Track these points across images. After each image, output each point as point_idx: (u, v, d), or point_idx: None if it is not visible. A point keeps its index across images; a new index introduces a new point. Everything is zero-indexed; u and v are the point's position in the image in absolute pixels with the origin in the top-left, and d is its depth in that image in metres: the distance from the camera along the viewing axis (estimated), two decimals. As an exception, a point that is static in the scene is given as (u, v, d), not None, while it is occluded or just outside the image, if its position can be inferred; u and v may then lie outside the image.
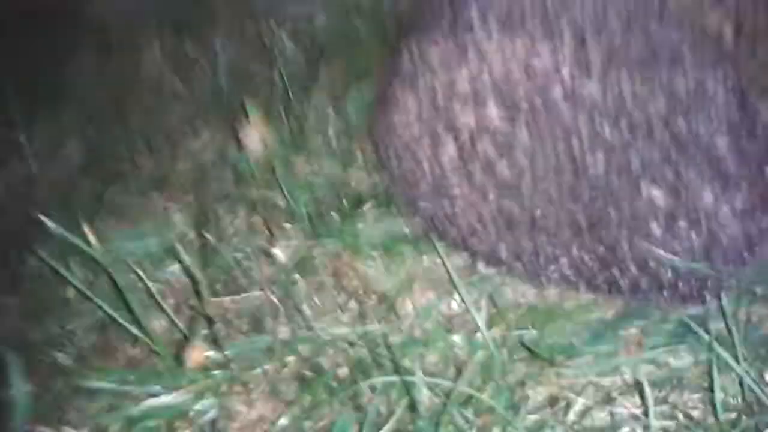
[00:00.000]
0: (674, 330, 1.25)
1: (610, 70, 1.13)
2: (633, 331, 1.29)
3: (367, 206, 1.59)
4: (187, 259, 1.35)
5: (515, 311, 1.37)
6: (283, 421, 1.25)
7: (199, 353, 1.24)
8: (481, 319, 1.30)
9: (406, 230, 1.56)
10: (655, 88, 1.11)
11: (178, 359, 1.31)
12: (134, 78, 2.07)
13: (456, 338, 1.35)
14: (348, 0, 1.82)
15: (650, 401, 1.07)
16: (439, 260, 1.44)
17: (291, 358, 1.34)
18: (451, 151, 1.27)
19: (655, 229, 1.15)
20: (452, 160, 1.27)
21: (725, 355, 1.10)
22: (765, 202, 1.16)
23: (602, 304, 1.34)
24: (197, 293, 1.33)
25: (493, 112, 1.20)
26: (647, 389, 1.07)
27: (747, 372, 1.08)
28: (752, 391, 1.08)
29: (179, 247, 1.39)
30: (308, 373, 1.32)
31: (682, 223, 1.14)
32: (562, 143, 1.15)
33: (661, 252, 1.14)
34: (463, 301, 1.37)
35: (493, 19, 1.22)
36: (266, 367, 1.33)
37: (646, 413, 1.10)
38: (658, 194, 1.13)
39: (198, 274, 1.36)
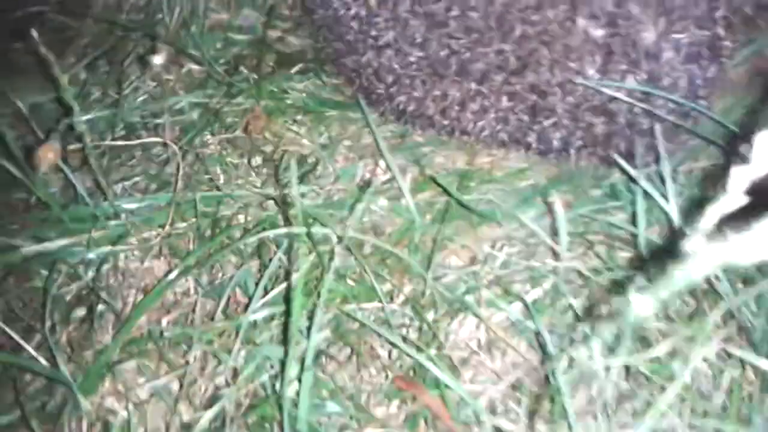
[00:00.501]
0: (604, 193, 1.16)
1: None
2: (564, 196, 1.20)
3: (295, 68, 1.45)
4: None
5: (444, 178, 1.27)
6: (173, 274, 1.15)
7: (53, 155, 1.12)
8: (405, 184, 1.21)
9: (337, 96, 1.44)
10: None
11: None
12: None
13: (379, 202, 1.25)
14: None
15: (564, 244, 0.99)
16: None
17: (191, 216, 1.23)
18: (377, -17, 1.15)
19: (590, 69, 1.04)
20: (379, -5, 1.15)
21: (654, 193, 1.02)
22: (713, 47, 1.05)
23: (534, 171, 1.26)
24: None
25: (422, -64, 1.08)
26: (563, 235, 0.98)
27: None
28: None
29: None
30: (209, 231, 1.22)
31: (621, 64, 1.03)
32: (494, -32, 1.04)
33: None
34: (388, 166, 1.26)
35: None
36: (165, 223, 1.22)
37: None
38: (595, 30, 1.02)
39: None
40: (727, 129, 1.09)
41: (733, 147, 1.07)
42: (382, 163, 1.31)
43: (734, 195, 0.49)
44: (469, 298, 1.09)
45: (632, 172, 1.04)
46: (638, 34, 1.02)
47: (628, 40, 1.02)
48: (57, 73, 1.12)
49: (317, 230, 1.15)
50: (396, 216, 1.23)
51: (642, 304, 0.50)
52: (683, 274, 0.46)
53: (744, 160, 0.50)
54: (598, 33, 1.02)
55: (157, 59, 1.31)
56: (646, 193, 1.04)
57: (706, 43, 1.04)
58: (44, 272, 1.21)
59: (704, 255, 0.45)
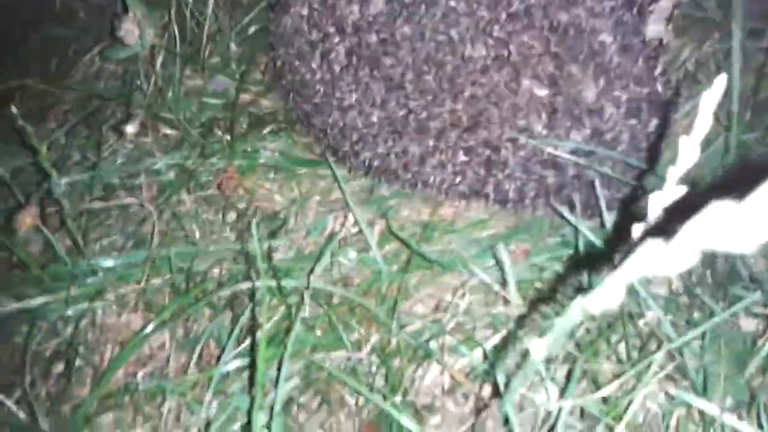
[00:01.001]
0: (560, 241, 1.22)
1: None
2: (521, 245, 1.26)
3: (267, 129, 1.52)
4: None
5: (409, 229, 1.33)
6: (149, 328, 1.19)
7: (31, 219, 1.17)
8: (372, 237, 1.27)
9: (307, 155, 1.50)
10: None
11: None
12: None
13: (348, 254, 1.30)
14: None
15: (513, 293, 1.04)
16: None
17: (167, 272, 1.28)
18: (340, 51, 1.22)
19: (538, 126, 1.11)
20: (341, 61, 1.22)
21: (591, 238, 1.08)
22: (652, 103, 1.13)
23: (494, 221, 1.32)
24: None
25: (378, 6, 1.16)
26: (512, 285, 1.03)
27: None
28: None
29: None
30: (183, 285, 1.26)
31: (565, 121, 1.10)
32: (443, 35, 1.11)
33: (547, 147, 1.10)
34: (356, 219, 1.32)
35: None
36: (141, 279, 1.27)
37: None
38: (539, 89, 1.09)
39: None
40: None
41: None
42: (351, 216, 1.36)
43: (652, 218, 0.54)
44: (433, 345, 1.14)
45: (572, 220, 1.10)
46: (579, 93, 1.09)
47: (570, 98, 1.09)
48: (34, 142, 1.19)
49: (287, 282, 1.20)
50: (364, 267, 1.29)
51: (537, 347, 0.55)
52: (575, 310, 0.51)
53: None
54: (542, 93, 1.10)
55: (130, 128, 1.38)
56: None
57: (645, 99, 1.12)
58: (24, 329, 1.25)
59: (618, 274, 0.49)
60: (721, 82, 0.51)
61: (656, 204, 0.56)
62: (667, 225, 0.46)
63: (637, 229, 0.55)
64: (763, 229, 0.40)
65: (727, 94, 1.16)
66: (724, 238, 0.41)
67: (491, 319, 1.14)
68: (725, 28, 1.37)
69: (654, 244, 0.44)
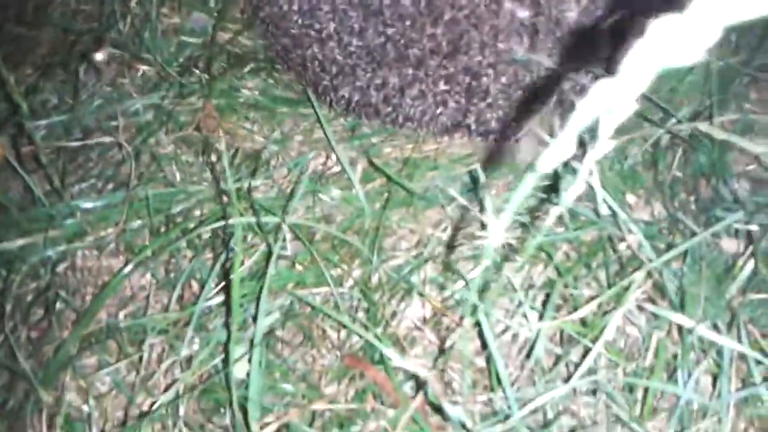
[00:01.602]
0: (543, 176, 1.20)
1: None
2: (503, 179, 1.24)
3: (247, 68, 1.49)
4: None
5: (392, 167, 1.31)
6: (128, 268, 1.18)
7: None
8: (354, 175, 1.25)
9: (288, 94, 1.47)
10: None
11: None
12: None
13: (330, 192, 1.28)
14: None
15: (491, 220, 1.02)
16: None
17: (146, 213, 1.26)
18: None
19: (519, 50, 1.07)
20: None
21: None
22: (636, 24, 1.08)
23: (477, 156, 1.29)
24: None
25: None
26: (489, 212, 1.01)
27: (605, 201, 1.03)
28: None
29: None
30: (163, 226, 1.25)
31: (547, 43, 1.07)
32: (421, -45, 1.07)
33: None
34: (338, 157, 1.29)
35: None
36: (120, 220, 1.25)
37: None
38: (520, 11, 1.06)
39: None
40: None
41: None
42: (333, 155, 1.34)
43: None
44: (414, 279, 1.12)
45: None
46: (562, 13, 1.06)
47: (552, 19, 1.06)
48: (4, 76, 1.16)
49: (267, 220, 1.18)
50: (346, 205, 1.27)
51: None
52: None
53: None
54: (524, 14, 1.06)
55: (99, 56, 1.35)
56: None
57: (628, 21, 1.08)
58: (3, 272, 1.24)
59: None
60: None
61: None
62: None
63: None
64: (706, 39, 0.38)
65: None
66: (672, 52, 0.39)
67: (472, 252, 1.12)
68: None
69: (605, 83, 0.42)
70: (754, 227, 0.94)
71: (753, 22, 1.08)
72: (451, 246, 1.14)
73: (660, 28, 0.38)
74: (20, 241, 1.25)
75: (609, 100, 0.42)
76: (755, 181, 1.08)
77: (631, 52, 0.39)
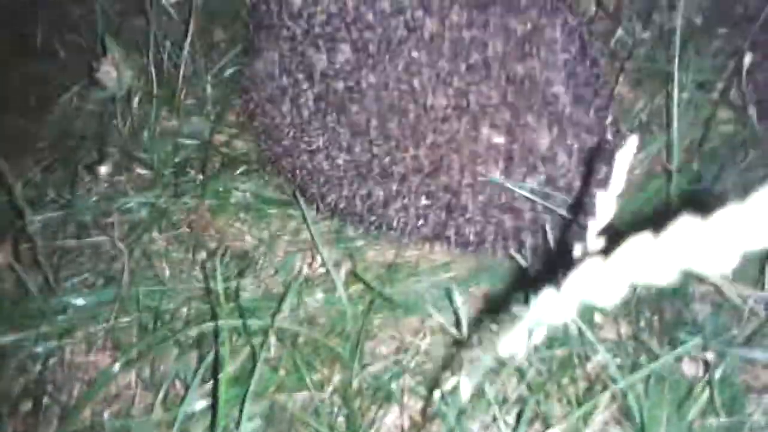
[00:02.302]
0: (518, 285, 1.26)
1: (450, 11, 1.14)
2: (481, 287, 1.30)
3: (239, 169, 1.56)
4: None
5: (374, 271, 1.37)
6: (116, 366, 1.21)
7: (4, 258, 1.20)
8: (338, 278, 1.30)
9: (278, 195, 1.54)
10: (492, 31, 1.13)
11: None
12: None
13: (315, 295, 1.33)
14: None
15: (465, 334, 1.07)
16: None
17: (135, 311, 1.30)
18: (309, 96, 1.26)
19: (495, 172, 1.15)
20: (309, 107, 1.27)
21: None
22: (603, 151, 1.17)
23: (457, 264, 1.35)
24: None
25: (345, 55, 1.20)
26: (464, 325, 1.06)
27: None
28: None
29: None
30: (151, 324, 1.29)
31: (521, 168, 1.14)
32: (406, 85, 1.16)
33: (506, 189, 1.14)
34: (323, 260, 1.35)
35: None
36: (110, 317, 1.29)
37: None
38: (497, 137, 1.14)
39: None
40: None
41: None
42: (318, 257, 1.40)
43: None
44: (394, 386, 1.16)
45: (523, 264, 1.14)
46: (534, 141, 1.14)
47: (525, 146, 1.14)
48: (10, 179, 1.22)
49: (252, 322, 1.22)
50: (330, 307, 1.32)
51: (464, 386, 0.58)
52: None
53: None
54: (499, 140, 1.14)
55: (104, 169, 1.42)
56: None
57: (597, 148, 1.16)
58: (-7, 366, 1.27)
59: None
60: (633, 141, 0.55)
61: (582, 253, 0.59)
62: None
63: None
64: (678, 262, 0.43)
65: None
66: (646, 271, 0.44)
67: (450, 361, 1.17)
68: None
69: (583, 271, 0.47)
70: (710, 355, 1.00)
71: (715, 148, 1.16)
72: (429, 354, 1.18)
73: (636, 245, 0.43)
74: (11, 336, 1.28)
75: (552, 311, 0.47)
76: (714, 305, 1.15)
77: (610, 262, 0.44)
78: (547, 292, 0.47)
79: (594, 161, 1.16)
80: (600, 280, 0.45)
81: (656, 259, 0.44)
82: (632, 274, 0.44)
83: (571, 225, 1.15)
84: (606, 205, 0.58)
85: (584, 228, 0.56)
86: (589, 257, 0.52)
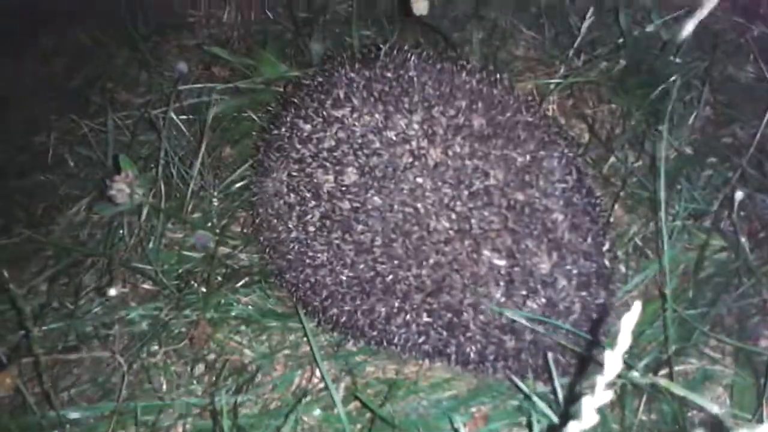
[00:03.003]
0: (520, 406, 1.26)
1: (453, 142, 1.21)
2: (482, 407, 1.29)
3: (241, 282, 1.58)
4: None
5: (375, 387, 1.37)
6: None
7: (11, 381, 1.19)
8: (337, 395, 1.29)
9: (279, 308, 1.55)
10: (493, 161, 1.19)
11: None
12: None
13: (313, 412, 1.33)
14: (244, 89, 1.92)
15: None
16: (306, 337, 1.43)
17: (132, 424, 1.29)
18: (315, 214, 1.31)
19: (496, 293, 1.18)
20: (315, 223, 1.31)
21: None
22: (601, 276, 1.21)
23: (457, 381, 1.35)
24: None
25: (352, 177, 1.26)
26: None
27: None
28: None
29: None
30: (149, 440, 1.27)
31: (521, 291, 1.17)
32: (410, 208, 1.20)
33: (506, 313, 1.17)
34: (322, 375, 1.35)
35: (357, 97, 1.30)
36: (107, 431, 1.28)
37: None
38: (498, 260, 1.17)
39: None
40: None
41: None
42: (318, 371, 1.40)
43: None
44: None
45: (524, 389, 1.15)
46: (535, 265, 1.17)
47: (526, 270, 1.17)
48: (14, 290, 1.24)
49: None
50: (328, 425, 1.31)
51: None
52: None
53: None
54: (500, 263, 1.18)
55: (113, 291, 1.44)
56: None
57: (594, 273, 1.20)
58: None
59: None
60: (637, 307, 0.58)
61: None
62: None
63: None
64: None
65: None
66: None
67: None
68: (669, 209, 1.48)
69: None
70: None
71: (710, 275, 1.20)
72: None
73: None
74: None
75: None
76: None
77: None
78: None
79: (588, 290, 1.20)
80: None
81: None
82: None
83: (584, 366, 1.17)
84: (613, 363, 0.60)
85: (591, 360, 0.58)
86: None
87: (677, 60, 1.65)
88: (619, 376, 1.21)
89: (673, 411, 1.12)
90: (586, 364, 1.16)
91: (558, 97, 1.74)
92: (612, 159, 1.59)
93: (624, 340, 0.56)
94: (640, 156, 1.56)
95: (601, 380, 0.55)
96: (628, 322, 0.55)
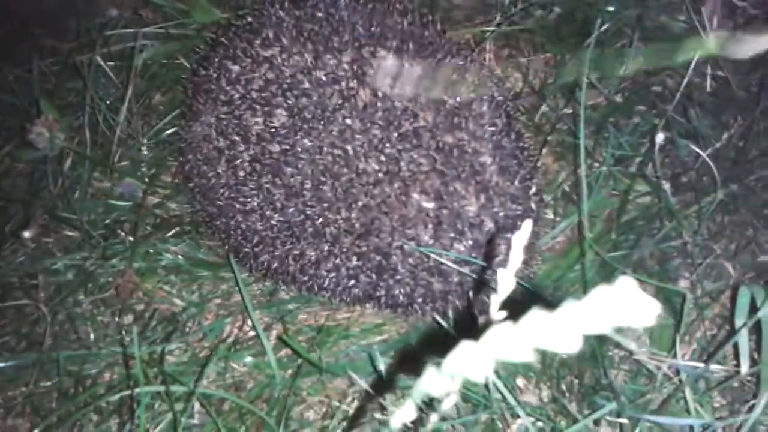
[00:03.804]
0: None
1: (383, 83, 1.19)
2: (411, 350, 1.30)
3: (171, 231, 1.55)
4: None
5: (306, 334, 1.37)
6: (34, 432, 1.17)
7: None
8: (267, 342, 1.29)
9: (210, 258, 1.53)
10: (422, 103, 1.19)
11: None
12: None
13: (243, 359, 1.32)
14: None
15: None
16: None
17: (56, 375, 1.26)
18: (245, 158, 1.28)
19: (424, 236, 1.18)
20: (245, 168, 1.28)
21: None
22: (528, 218, 1.22)
23: (387, 327, 1.36)
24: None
25: (281, 119, 1.23)
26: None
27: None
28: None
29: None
30: (72, 389, 1.25)
31: (449, 233, 1.18)
32: (339, 150, 1.19)
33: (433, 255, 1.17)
34: (253, 323, 1.34)
35: (286, 36, 1.27)
36: (30, 382, 1.25)
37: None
38: (426, 203, 1.17)
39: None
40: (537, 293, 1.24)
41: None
42: (249, 320, 1.38)
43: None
44: (319, 453, 1.15)
45: (446, 327, 1.16)
46: (462, 207, 1.18)
47: (454, 212, 1.18)
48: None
49: (176, 388, 1.19)
50: (258, 372, 1.30)
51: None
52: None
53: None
54: (429, 206, 1.18)
55: (27, 233, 1.40)
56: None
57: (521, 216, 1.21)
58: None
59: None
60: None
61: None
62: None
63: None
64: (575, 335, 0.46)
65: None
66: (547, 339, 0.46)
67: (377, 425, 1.16)
68: (596, 155, 1.51)
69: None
70: (624, 420, 1.03)
71: (633, 219, 1.22)
72: (355, 419, 1.17)
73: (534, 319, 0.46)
74: None
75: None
76: (631, 372, 1.19)
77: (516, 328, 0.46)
78: (429, 371, 0.49)
79: (513, 232, 1.21)
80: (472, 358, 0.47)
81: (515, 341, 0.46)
82: (498, 352, 0.47)
83: (478, 296, 1.18)
84: (506, 281, 0.60)
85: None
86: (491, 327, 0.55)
87: (610, 8, 1.66)
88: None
89: (593, 348, 1.15)
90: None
91: (494, 45, 1.73)
92: (544, 107, 1.60)
93: (515, 258, 0.56)
94: (570, 103, 1.57)
95: (495, 299, 0.55)
96: (519, 239, 0.55)
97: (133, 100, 1.64)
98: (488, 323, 0.58)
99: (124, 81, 1.70)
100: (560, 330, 0.45)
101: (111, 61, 1.76)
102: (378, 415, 1.17)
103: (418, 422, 0.67)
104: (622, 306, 0.41)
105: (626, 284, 0.41)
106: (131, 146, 1.66)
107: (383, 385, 1.14)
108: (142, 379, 1.11)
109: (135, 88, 1.64)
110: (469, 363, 0.47)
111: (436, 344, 1.29)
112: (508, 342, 0.45)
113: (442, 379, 0.48)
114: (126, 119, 1.62)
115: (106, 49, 1.78)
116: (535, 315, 0.46)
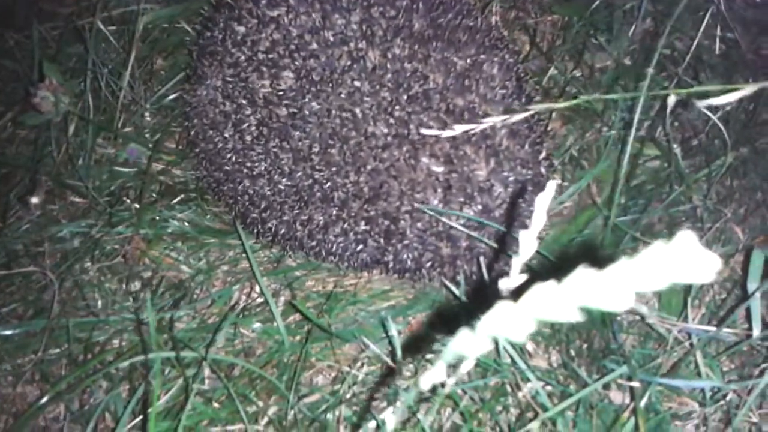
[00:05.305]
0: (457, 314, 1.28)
1: (392, 44, 1.17)
2: (419, 316, 1.30)
3: (177, 198, 1.54)
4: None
5: (314, 300, 1.36)
6: (45, 399, 1.17)
7: None
8: (276, 308, 1.29)
9: (216, 224, 1.52)
10: (432, 64, 1.17)
11: None
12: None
13: (252, 325, 1.32)
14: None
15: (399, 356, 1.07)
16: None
17: (64, 341, 1.26)
18: (252, 122, 1.27)
19: (433, 200, 1.17)
20: (252, 132, 1.27)
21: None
22: (537, 184, 1.21)
23: (396, 293, 1.36)
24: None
25: (288, 82, 1.22)
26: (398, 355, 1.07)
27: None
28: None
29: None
30: (81, 356, 1.25)
31: (459, 197, 1.17)
32: (348, 113, 1.17)
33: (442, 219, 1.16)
34: (261, 289, 1.34)
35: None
36: (39, 349, 1.25)
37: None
38: (436, 166, 1.16)
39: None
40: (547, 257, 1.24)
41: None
42: (257, 286, 1.38)
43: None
44: (330, 417, 1.15)
45: (456, 293, 1.16)
46: (472, 171, 1.17)
47: (463, 176, 1.17)
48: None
49: (186, 354, 1.19)
50: (267, 337, 1.30)
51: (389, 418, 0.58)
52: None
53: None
54: (438, 169, 1.17)
55: (35, 199, 1.39)
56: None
57: (530, 181, 1.20)
58: None
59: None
60: (552, 186, 0.57)
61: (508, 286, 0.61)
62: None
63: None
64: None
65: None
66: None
67: (386, 390, 1.17)
68: (605, 119, 1.49)
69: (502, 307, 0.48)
70: (635, 384, 1.04)
71: (643, 183, 1.21)
72: (365, 384, 1.18)
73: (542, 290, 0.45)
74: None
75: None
76: (641, 336, 1.19)
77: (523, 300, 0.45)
78: (464, 331, 0.48)
79: (523, 196, 1.20)
80: (511, 319, 0.46)
81: (560, 301, 0.46)
82: (540, 312, 0.46)
83: (498, 259, 1.18)
84: (528, 243, 0.59)
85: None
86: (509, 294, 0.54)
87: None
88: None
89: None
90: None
91: (500, 7, 1.70)
92: (552, 70, 1.58)
93: (539, 220, 0.55)
94: (579, 66, 1.55)
95: (517, 260, 0.54)
96: (542, 201, 0.54)
97: (135, 65, 1.61)
98: (503, 287, 0.58)
99: (125, 46, 1.67)
100: (610, 288, 0.44)
101: (112, 26, 1.74)
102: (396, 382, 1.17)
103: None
104: (681, 261, 0.40)
105: (686, 238, 0.39)
106: (134, 112, 1.64)
107: (394, 351, 1.14)
108: (155, 345, 1.11)
109: (137, 53, 1.62)
110: (507, 323, 0.45)
111: (443, 311, 1.30)
112: (552, 302, 0.44)
113: (476, 340, 0.47)
114: (129, 84, 1.60)
115: (107, 13, 1.75)
116: (583, 273, 0.45)
